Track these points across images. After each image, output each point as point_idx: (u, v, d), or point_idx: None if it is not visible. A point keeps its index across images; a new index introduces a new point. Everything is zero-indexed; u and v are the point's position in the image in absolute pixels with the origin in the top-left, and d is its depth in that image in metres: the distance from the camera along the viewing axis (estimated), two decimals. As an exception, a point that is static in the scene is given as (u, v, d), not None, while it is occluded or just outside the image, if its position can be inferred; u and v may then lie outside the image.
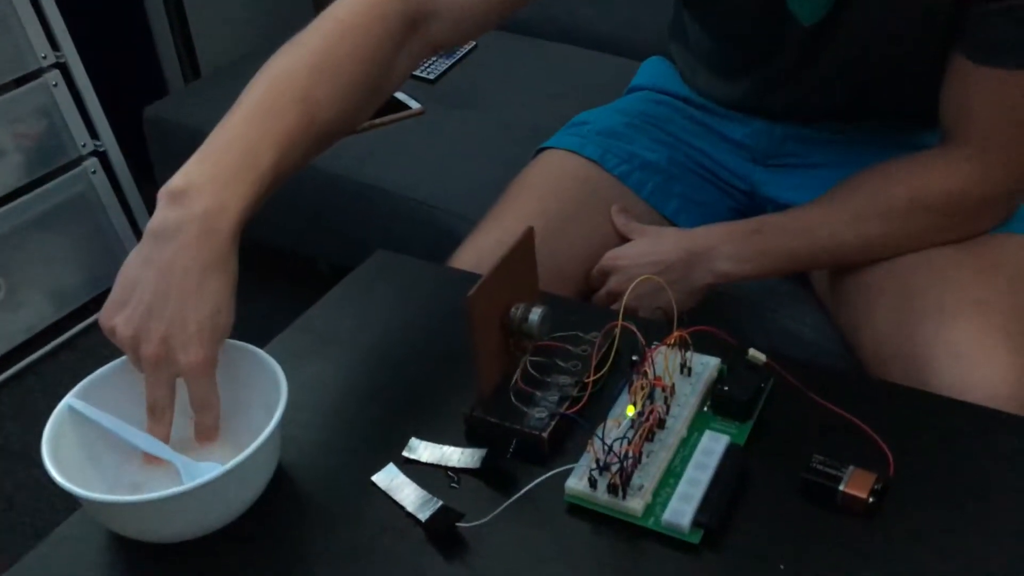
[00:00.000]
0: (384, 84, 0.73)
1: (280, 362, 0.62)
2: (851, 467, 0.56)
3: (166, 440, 0.60)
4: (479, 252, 0.87)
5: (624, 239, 0.91)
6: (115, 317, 0.59)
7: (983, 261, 0.79)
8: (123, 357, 0.62)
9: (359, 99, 0.70)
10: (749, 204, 0.98)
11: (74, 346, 1.57)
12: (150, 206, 0.66)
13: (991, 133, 0.75)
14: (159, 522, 0.56)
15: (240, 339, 0.63)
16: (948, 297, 0.76)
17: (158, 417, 0.60)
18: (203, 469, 0.59)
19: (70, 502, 0.56)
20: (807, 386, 0.62)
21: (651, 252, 0.86)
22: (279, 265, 1.63)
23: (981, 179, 0.76)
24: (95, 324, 1.66)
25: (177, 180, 0.60)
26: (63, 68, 1.51)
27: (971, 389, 0.69)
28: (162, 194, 0.59)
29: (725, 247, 0.84)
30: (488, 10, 0.76)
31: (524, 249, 0.66)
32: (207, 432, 0.61)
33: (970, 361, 0.71)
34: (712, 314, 0.89)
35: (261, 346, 0.68)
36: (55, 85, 1.51)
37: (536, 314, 0.64)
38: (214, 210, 0.59)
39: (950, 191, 0.77)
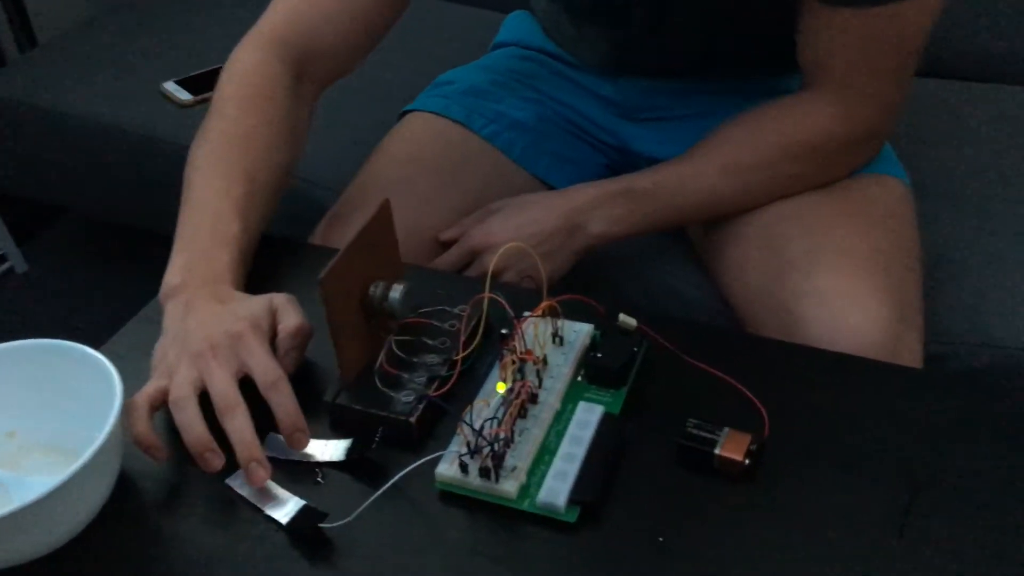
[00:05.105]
0: (296, 132, 0.76)
1: (121, 358, 0.57)
2: (726, 429, 0.55)
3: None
4: (342, 227, 0.82)
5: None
6: (173, 379, 0.58)
7: (849, 205, 0.79)
8: None
9: (282, 154, 0.74)
10: (620, 160, 0.96)
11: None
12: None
13: (848, 74, 0.75)
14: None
15: (81, 335, 0.59)
16: (814, 245, 0.76)
17: (232, 410, 0.56)
18: (32, 486, 0.53)
19: None
20: (680, 347, 0.61)
21: (528, 224, 0.81)
22: (130, 248, 1.54)
23: (844, 121, 0.77)
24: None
25: (168, 279, 0.64)
26: None
27: (840, 337, 0.69)
28: (162, 297, 0.63)
29: (598, 209, 0.81)
30: (361, 35, 0.80)
31: (381, 223, 0.62)
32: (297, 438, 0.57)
33: (837, 309, 0.71)
34: (590, 275, 0.87)
35: (104, 340, 0.64)
36: None
37: (397, 291, 0.60)
38: (210, 276, 0.63)
39: (816, 135, 0.77)
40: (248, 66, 0.76)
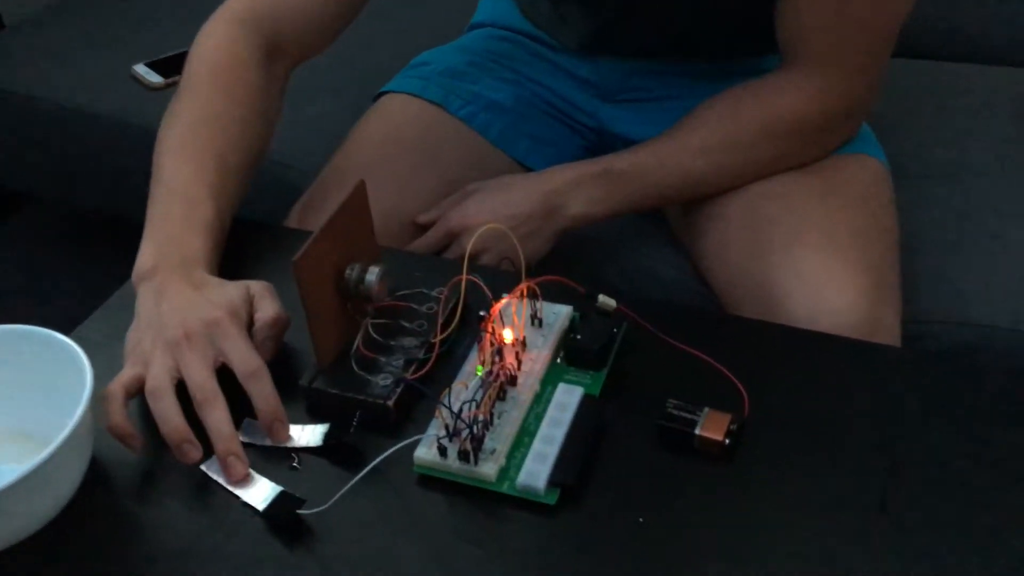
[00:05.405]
0: (267, 111, 0.75)
1: (91, 344, 0.56)
2: (706, 409, 0.55)
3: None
4: (318, 210, 0.81)
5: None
6: (149, 368, 0.56)
7: (829, 184, 0.79)
8: None
9: (254, 134, 0.73)
10: (599, 141, 0.95)
11: None
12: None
13: (826, 52, 0.75)
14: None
15: (51, 321, 0.58)
16: (795, 224, 0.76)
17: (210, 402, 0.55)
18: (2, 474, 0.52)
19: None
20: (660, 328, 0.60)
21: (506, 206, 0.81)
22: (101, 234, 1.52)
23: (823, 99, 0.77)
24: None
25: (140, 262, 0.62)
26: None
27: (820, 316, 0.69)
28: (135, 280, 0.62)
29: (577, 189, 0.81)
30: (334, 13, 0.78)
31: (356, 205, 0.61)
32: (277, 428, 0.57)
33: (818, 288, 0.71)
34: (569, 257, 0.87)
35: (75, 327, 0.62)
36: None
37: (373, 274, 0.59)
38: (183, 260, 0.62)
39: (794, 114, 0.77)
40: (217, 43, 0.74)
